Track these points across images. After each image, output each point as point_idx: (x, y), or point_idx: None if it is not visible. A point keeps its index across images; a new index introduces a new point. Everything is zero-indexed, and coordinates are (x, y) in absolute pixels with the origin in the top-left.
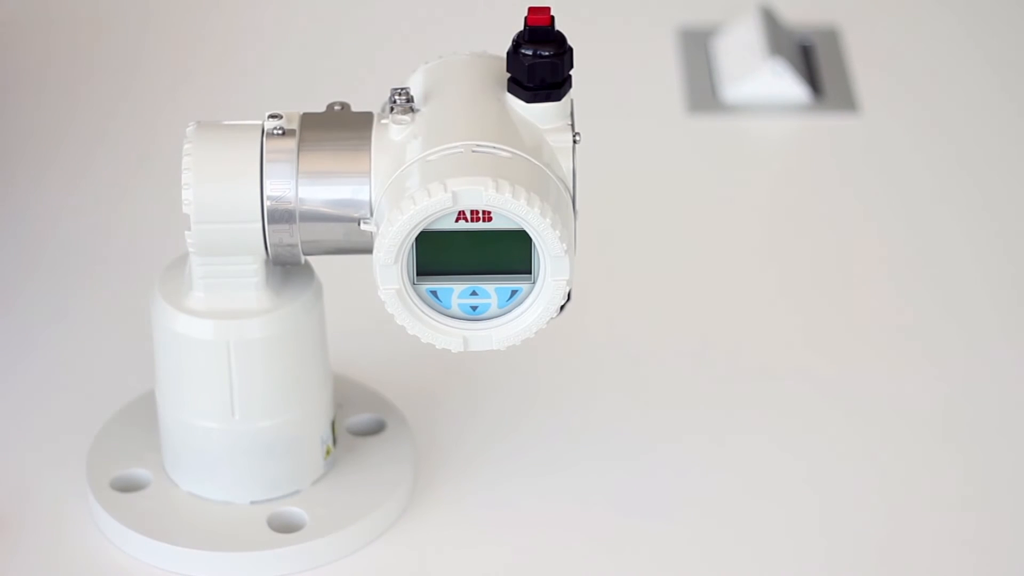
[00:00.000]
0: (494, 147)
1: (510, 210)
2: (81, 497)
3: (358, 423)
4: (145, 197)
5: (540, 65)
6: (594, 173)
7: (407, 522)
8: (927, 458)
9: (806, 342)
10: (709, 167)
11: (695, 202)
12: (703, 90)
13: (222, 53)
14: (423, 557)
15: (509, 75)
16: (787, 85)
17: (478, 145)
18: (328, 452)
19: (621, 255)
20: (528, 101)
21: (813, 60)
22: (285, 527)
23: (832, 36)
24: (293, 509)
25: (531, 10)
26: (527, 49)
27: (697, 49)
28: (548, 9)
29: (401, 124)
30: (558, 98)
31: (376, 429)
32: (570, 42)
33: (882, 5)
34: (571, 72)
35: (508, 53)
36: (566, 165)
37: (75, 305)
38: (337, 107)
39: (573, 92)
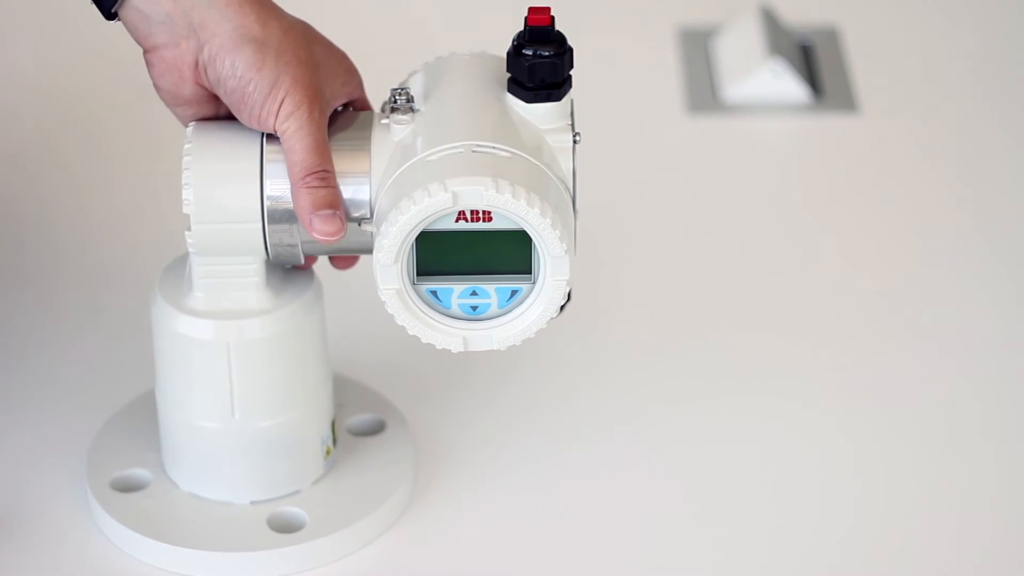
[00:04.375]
0: (494, 147)
1: (510, 210)
2: (81, 497)
3: (358, 423)
4: (145, 196)
5: (540, 65)
6: (594, 173)
7: (407, 522)
8: (926, 456)
9: (806, 341)
10: (709, 167)
11: (695, 202)
12: (703, 90)
13: None
14: (423, 557)
15: (509, 75)
16: (787, 85)
17: (478, 145)
18: (328, 452)
19: (621, 255)
20: (528, 101)
21: (813, 60)
22: (285, 527)
23: (832, 36)
24: (293, 509)
25: (531, 10)
26: (527, 49)
27: (697, 49)
28: (548, 9)
29: (401, 124)
30: (558, 98)
31: (376, 429)
32: (570, 42)
33: (882, 5)
34: (571, 72)
35: (508, 53)
36: (566, 165)
37: (75, 305)
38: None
39: (573, 92)
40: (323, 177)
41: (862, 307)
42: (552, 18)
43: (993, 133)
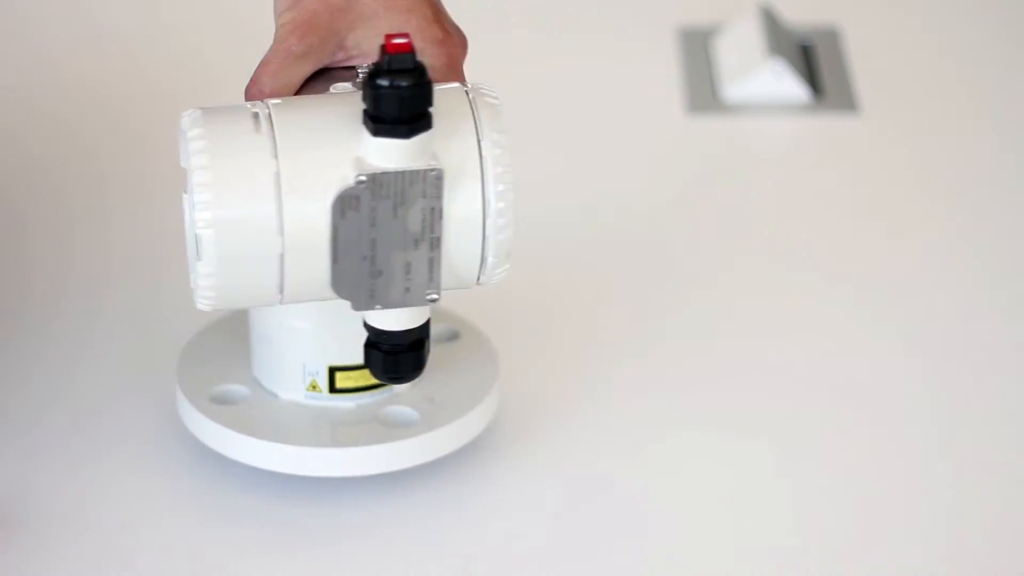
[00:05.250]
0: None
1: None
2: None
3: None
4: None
5: (379, 93)
6: (594, 173)
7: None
8: (931, 457)
9: (806, 341)
10: (709, 167)
11: (695, 202)
12: (703, 90)
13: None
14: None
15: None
16: (787, 85)
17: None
18: None
19: (621, 254)
20: (372, 133)
21: (813, 60)
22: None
23: (832, 36)
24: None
25: (386, 37)
26: (380, 78)
27: (697, 49)
28: (395, 37)
29: (338, 90)
30: (393, 135)
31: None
32: (569, 41)
33: (882, 5)
34: (419, 115)
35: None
36: None
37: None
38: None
39: (574, 92)
40: (253, 94)
41: (862, 307)
42: (402, 46)
43: (993, 133)
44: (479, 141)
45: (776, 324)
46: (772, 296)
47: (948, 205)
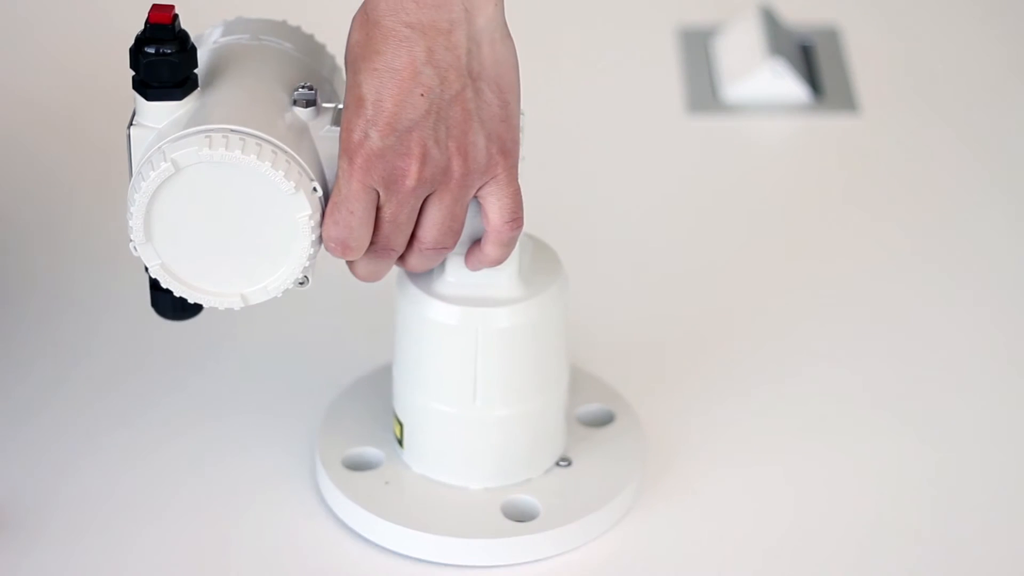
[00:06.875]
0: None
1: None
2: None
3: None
4: None
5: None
6: (594, 173)
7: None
8: (930, 456)
9: (805, 341)
10: (709, 167)
11: (695, 202)
12: (703, 90)
13: None
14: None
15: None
16: (787, 85)
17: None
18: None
19: (621, 255)
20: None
21: (813, 60)
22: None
23: (832, 36)
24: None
25: (154, 7)
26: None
27: (697, 49)
28: (170, 7)
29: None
30: (139, 91)
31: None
32: (569, 41)
33: (882, 5)
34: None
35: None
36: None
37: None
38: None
39: (574, 92)
40: None
41: (862, 307)
42: (173, 16)
43: (993, 133)
44: (163, 147)
45: (775, 324)
46: (771, 296)
47: (948, 205)
